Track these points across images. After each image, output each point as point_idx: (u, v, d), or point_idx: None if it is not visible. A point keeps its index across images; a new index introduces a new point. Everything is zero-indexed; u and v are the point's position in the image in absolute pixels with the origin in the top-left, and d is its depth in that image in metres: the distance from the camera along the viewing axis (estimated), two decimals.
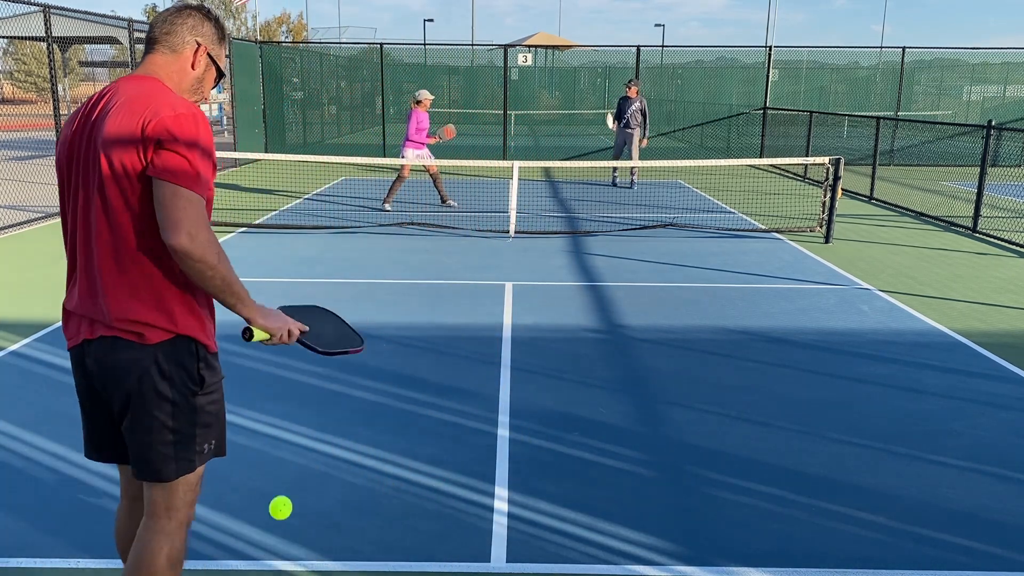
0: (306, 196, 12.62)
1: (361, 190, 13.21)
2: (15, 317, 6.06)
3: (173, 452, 2.14)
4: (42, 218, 10.13)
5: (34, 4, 9.98)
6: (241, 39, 19.10)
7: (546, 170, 16.93)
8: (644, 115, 13.75)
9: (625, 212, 11.44)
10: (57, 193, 2.31)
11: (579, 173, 16.29)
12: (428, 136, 11.03)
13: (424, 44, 21.88)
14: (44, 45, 10.47)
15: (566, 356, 5.31)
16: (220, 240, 9.15)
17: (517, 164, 9.86)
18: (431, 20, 59.02)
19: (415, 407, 4.45)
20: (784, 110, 19.16)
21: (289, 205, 11.72)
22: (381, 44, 19.51)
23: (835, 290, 7.13)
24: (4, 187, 12.48)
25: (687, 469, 3.79)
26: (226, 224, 9.67)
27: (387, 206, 11.17)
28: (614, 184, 14.47)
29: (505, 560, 3.04)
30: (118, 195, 1.99)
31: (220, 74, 2.27)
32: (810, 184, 14.93)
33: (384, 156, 17.74)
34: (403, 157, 10.96)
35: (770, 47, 20.07)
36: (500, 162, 11.00)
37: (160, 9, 49.38)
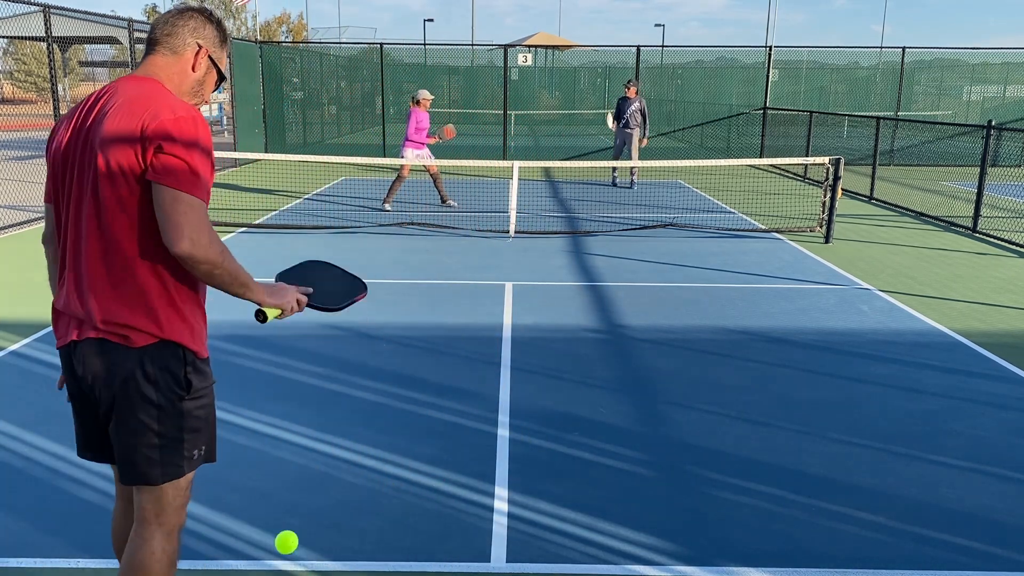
0: (306, 196, 12.62)
1: (361, 190, 13.21)
2: (15, 317, 6.06)
3: (159, 456, 2.11)
4: (42, 218, 10.13)
5: (34, 4, 9.99)
6: (241, 39, 19.10)
7: (546, 170, 16.93)
8: (644, 115, 13.75)
9: (625, 212, 11.44)
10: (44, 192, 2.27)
11: (579, 173, 16.29)
12: (428, 136, 11.03)
13: (424, 44, 21.88)
14: (44, 45, 10.47)
15: (566, 356, 5.31)
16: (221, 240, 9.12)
17: (517, 164, 9.86)
18: (431, 20, 59.05)
19: (415, 407, 4.45)
20: (784, 110, 19.16)
21: (289, 205, 11.72)
22: (381, 44, 19.51)
23: (835, 290, 7.13)
24: (4, 187, 12.48)
25: (687, 469, 3.79)
26: (226, 224, 9.67)
27: (387, 206, 11.17)
28: (614, 184, 14.47)
29: (505, 560, 3.04)
30: (113, 196, 1.98)
31: (221, 77, 2.25)
32: (810, 184, 14.93)
33: (384, 156, 17.74)
34: (403, 157, 10.96)
35: (770, 47, 20.07)
36: (500, 162, 11.00)
37: (160, 9, 49.28)
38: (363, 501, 3.45)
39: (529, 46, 26.22)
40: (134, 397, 2.06)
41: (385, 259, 8.18)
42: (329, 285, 2.39)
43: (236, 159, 16.35)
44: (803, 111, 17.64)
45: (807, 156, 14.67)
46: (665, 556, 3.09)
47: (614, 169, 14.54)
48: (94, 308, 2.03)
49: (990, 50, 20.76)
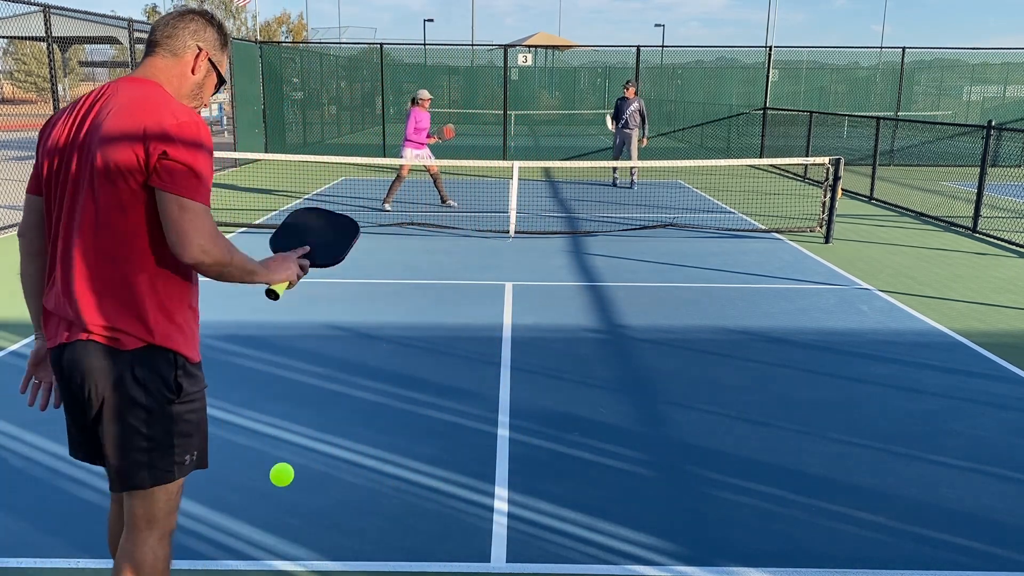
0: (306, 196, 12.62)
1: (361, 190, 13.21)
2: (15, 317, 6.07)
3: (148, 459, 2.09)
4: None
5: (34, 4, 9.99)
6: (241, 39, 19.10)
7: (546, 170, 16.93)
8: (642, 116, 13.76)
9: (625, 212, 11.44)
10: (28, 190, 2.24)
11: (579, 173, 16.30)
12: (428, 136, 11.03)
13: (424, 44, 21.89)
14: (44, 45, 10.47)
15: (566, 356, 5.31)
16: None
17: (517, 164, 9.86)
18: (431, 20, 59.06)
19: (415, 407, 4.45)
20: (784, 110, 19.17)
21: (289, 205, 11.72)
22: (381, 44, 19.51)
23: (835, 290, 7.13)
24: (4, 187, 12.48)
25: (687, 469, 3.79)
26: (226, 224, 9.67)
27: (387, 206, 11.17)
28: (614, 184, 14.48)
29: (505, 560, 3.04)
30: (111, 199, 1.96)
31: (221, 80, 2.24)
32: (810, 184, 14.93)
33: (384, 156, 17.74)
34: (402, 157, 10.97)
35: (770, 47, 20.07)
36: (500, 162, 11.00)
37: (160, 9, 49.26)
38: (363, 501, 3.45)
39: (529, 46, 26.23)
40: (123, 400, 2.04)
41: (385, 259, 8.18)
42: (322, 236, 2.35)
43: (236, 159, 16.35)
44: (803, 111, 17.64)
45: (807, 156, 14.67)
46: (665, 556, 3.09)
47: (614, 169, 14.55)
48: (85, 310, 2.01)
49: (990, 50, 20.77)
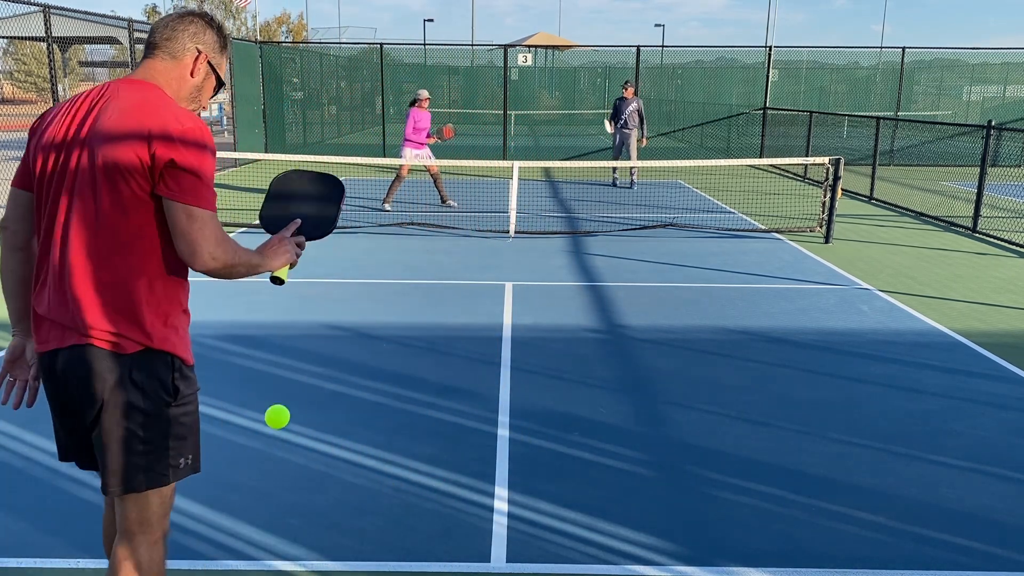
0: None
1: (361, 190, 13.21)
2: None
3: (144, 463, 2.08)
4: None
5: (34, 4, 9.99)
6: (241, 39, 19.10)
7: (546, 170, 16.93)
8: (641, 116, 13.78)
9: (625, 212, 11.44)
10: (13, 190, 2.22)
11: (579, 173, 16.30)
12: (428, 136, 11.03)
13: (424, 44, 21.89)
14: (44, 45, 10.47)
15: (566, 356, 5.31)
16: None
17: (517, 164, 9.86)
18: (431, 20, 59.08)
19: (415, 407, 4.45)
20: (784, 110, 19.17)
21: None
22: (381, 44, 19.51)
23: (835, 290, 7.13)
24: (4, 187, 12.49)
25: (687, 469, 3.79)
26: (226, 224, 9.65)
27: (387, 206, 11.17)
28: (614, 184, 14.48)
29: (505, 560, 3.04)
30: (112, 202, 1.95)
31: (220, 83, 2.23)
32: (810, 184, 14.93)
33: (384, 156, 17.74)
34: (402, 157, 10.97)
35: (770, 47, 20.08)
36: (500, 162, 10.99)
37: (160, 10, 49.20)
38: (363, 501, 3.45)
39: (529, 46, 26.23)
40: (121, 404, 2.03)
41: (385, 259, 8.18)
42: (310, 206, 2.33)
43: (236, 159, 16.35)
44: (803, 111, 17.64)
45: (807, 156, 14.67)
46: (665, 556, 3.09)
47: (614, 169, 14.55)
48: (84, 314, 1.99)
49: (990, 50, 20.78)
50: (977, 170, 10.15)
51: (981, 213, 10.01)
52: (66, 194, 2.00)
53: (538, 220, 10.60)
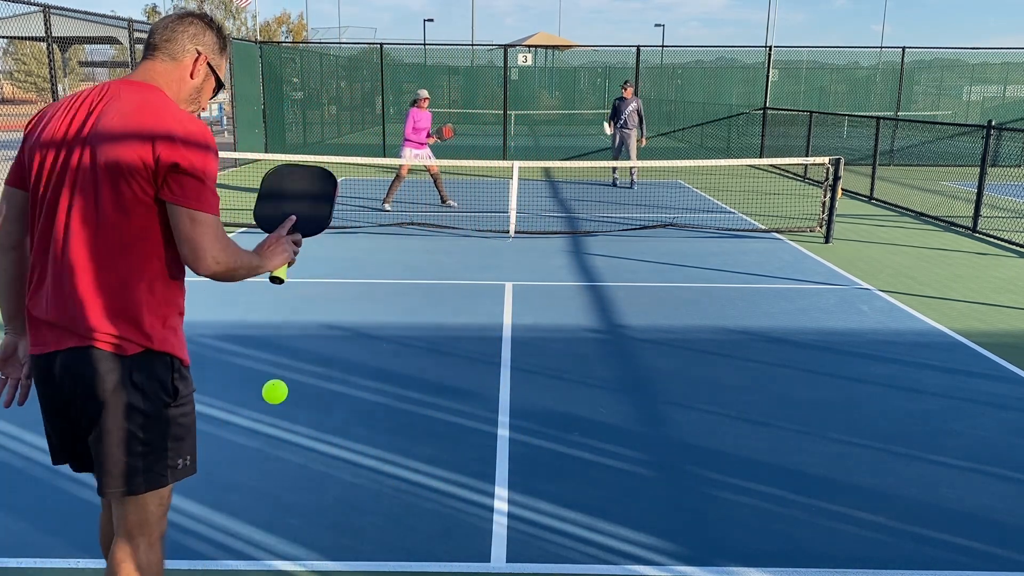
0: None
1: (361, 190, 13.21)
2: None
3: (142, 464, 2.07)
4: None
5: (34, 4, 9.99)
6: (241, 39, 19.10)
7: (546, 170, 16.93)
8: (640, 116, 13.79)
9: (625, 212, 11.44)
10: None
11: (579, 173, 16.30)
12: (428, 136, 11.04)
13: (424, 44, 21.89)
14: (44, 45, 10.47)
15: (566, 356, 5.31)
16: None
17: (517, 164, 9.86)
18: (431, 20, 59.10)
19: (415, 407, 4.45)
20: (784, 110, 19.17)
21: None
22: (381, 44, 19.51)
23: (835, 290, 7.13)
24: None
25: (687, 469, 3.79)
26: (226, 224, 9.66)
27: (387, 206, 11.18)
28: (614, 184, 14.48)
29: (505, 560, 3.04)
30: (115, 204, 1.95)
31: (219, 84, 2.22)
32: (810, 184, 14.93)
33: (384, 156, 17.74)
34: (402, 157, 10.98)
35: (770, 47, 20.08)
36: (500, 162, 11.00)
37: (160, 10, 49.14)
38: (363, 501, 3.45)
39: (529, 46, 26.23)
40: (122, 405, 2.02)
41: (385, 259, 8.18)
42: (304, 202, 2.33)
43: (236, 159, 16.35)
44: (803, 111, 17.64)
45: (807, 156, 14.67)
46: (665, 556, 3.09)
47: (614, 169, 14.55)
48: (85, 316, 1.98)
49: (990, 50, 20.78)
50: (977, 170, 10.15)
51: (981, 213, 10.01)
52: (67, 195, 1.99)
53: (538, 220, 10.60)
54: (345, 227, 9.87)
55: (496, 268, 7.82)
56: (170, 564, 2.95)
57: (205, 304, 6.25)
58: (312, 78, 21.87)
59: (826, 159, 9.53)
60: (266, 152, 17.09)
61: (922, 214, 11.33)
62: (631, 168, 14.08)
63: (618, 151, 14.02)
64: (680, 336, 5.76)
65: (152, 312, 2.04)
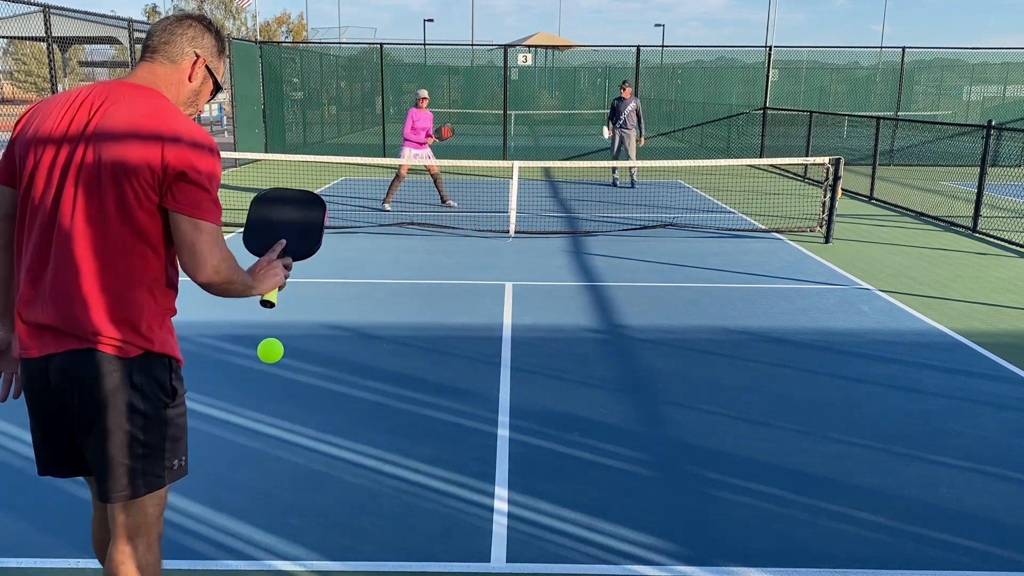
0: None
1: (361, 190, 13.21)
2: None
3: (141, 466, 2.07)
4: None
5: (34, 4, 9.99)
6: (241, 39, 19.10)
7: (546, 170, 16.93)
8: (639, 116, 13.81)
9: (625, 212, 11.44)
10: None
11: (579, 173, 16.30)
12: (427, 136, 11.04)
13: (424, 44, 21.90)
14: (44, 45, 10.47)
15: (566, 356, 5.31)
16: None
17: (517, 164, 9.86)
18: (431, 20, 59.10)
19: (415, 407, 4.45)
20: (784, 110, 19.17)
21: None
22: (381, 44, 19.52)
23: (835, 290, 7.13)
24: None
25: (687, 469, 3.79)
26: (226, 224, 9.66)
27: (387, 206, 11.18)
28: (614, 184, 14.48)
29: (505, 560, 3.04)
30: (118, 209, 1.94)
31: (217, 87, 2.22)
32: (810, 184, 14.93)
33: (384, 156, 17.75)
34: (401, 157, 10.99)
35: (770, 47, 20.08)
36: (500, 162, 11.00)
37: (160, 10, 49.13)
38: (363, 501, 3.45)
39: (529, 46, 26.23)
40: (123, 408, 2.02)
41: (385, 259, 8.18)
42: (294, 226, 2.33)
43: (236, 159, 16.35)
44: (803, 111, 17.64)
45: (807, 156, 14.67)
46: (665, 556, 3.09)
47: (614, 170, 14.55)
48: (88, 318, 1.97)
49: (990, 50, 20.79)
50: (977, 170, 10.16)
51: (981, 213, 10.01)
52: (70, 194, 1.96)
53: (538, 220, 10.60)
54: (345, 227, 9.87)
55: (496, 268, 7.82)
56: (170, 564, 2.95)
57: (205, 304, 6.24)
58: (312, 78, 21.88)
59: (826, 159, 9.53)
60: (266, 152, 17.09)
61: (922, 214, 11.33)
62: (631, 168, 14.08)
63: (617, 151, 14.02)
64: (680, 336, 5.76)
65: (152, 315, 2.04)
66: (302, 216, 2.35)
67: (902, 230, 10.26)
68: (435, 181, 11.45)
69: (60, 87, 11.98)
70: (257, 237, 2.31)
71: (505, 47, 20.38)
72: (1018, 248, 9.11)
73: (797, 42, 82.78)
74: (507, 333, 5.77)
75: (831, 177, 9.33)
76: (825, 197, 9.46)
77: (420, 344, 5.52)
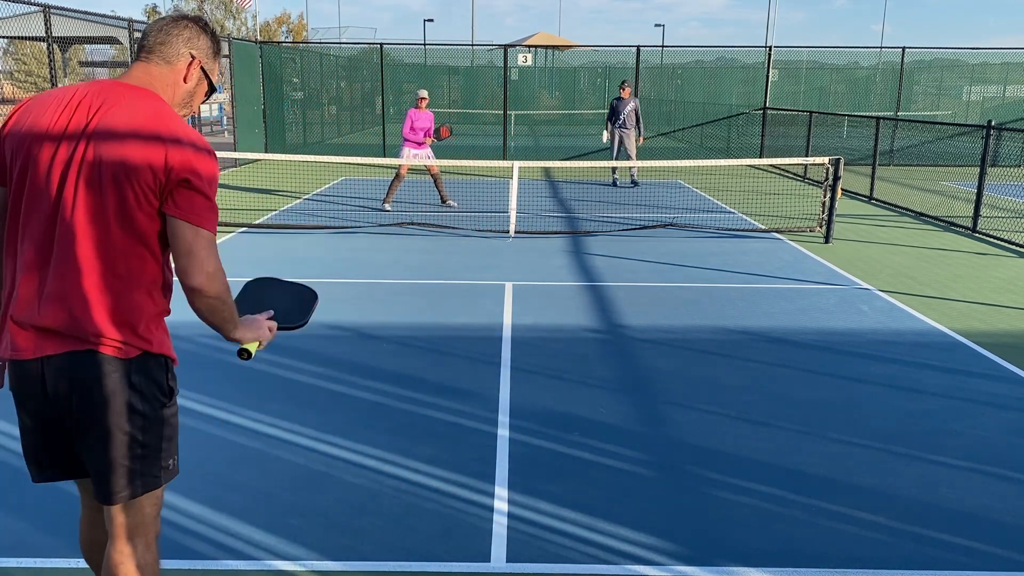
0: (306, 196, 12.62)
1: (361, 190, 13.21)
2: None
3: (140, 467, 2.07)
4: None
5: (34, 4, 9.99)
6: (241, 39, 19.11)
7: (546, 170, 16.93)
8: (638, 116, 13.83)
9: (625, 212, 11.44)
10: None
11: (579, 173, 16.30)
12: (426, 135, 11.05)
13: (424, 44, 21.90)
14: (44, 45, 10.47)
15: (566, 356, 5.31)
16: (220, 240, 9.09)
17: (517, 164, 9.86)
18: (431, 20, 59.15)
19: (415, 407, 4.45)
20: (784, 110, 19.17)
21: (289, 205, 11.73)
22: (381, 44, 19.52)
23: (835, 290, 7.13)
24: None
25: (687, 469, 3.79)
26: (226, 224, 9.66)
27: (387, 206, 11.18)
28: (614, 184, 14.48)
29: (505, 560, 3.04)
30: (118, 211, 1.94)
31: (211, 89, 2.21)
32: (810, 184, 14.93)
33: (384, 156, 17.74)
34: (401, 157, 11.01)
35: (770, 47, 20.08)
36: (500, 162, 11.01)
37: (160, 10, 49.17)
38: (363, 501, 3.45)
39: (529, 46, 26.23)
40: (122, 409, 2.01)
41: (385, 259, 8.18)
42: (283, 303, 2.38)
43: (236, 159, 16.35)
44: (803, 111, 17.64)
45: (807, 156, 14.68)
46: (665, 556, 3.09)
47: (614, 170, 14.55)
48: (91, 320, 1.96)
49: (990, 50, 20.78)
50: (977, 170, 10.16)
51: (981, 213, 10.01)
52: (70, 194, 1.94)
53: (538, 220, 10.60)
54: (345, 227, 9.87)
55: (496, 268, 7.82)
56: (170, 564, 2.95)
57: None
58: (312, 78, 21.87)
59: (826, 159, 9.53)
60: (266, 152, 17.09)
61: (922, 214, 11.33)
62: (631, 167, 14.08)
63: (618, 151, 14.03)
64: (680, 336, 5.76)
65: (150, 316, 2.05)
66: (294, 300, 2.42)
67: (902, 230, 10.26)
68: (435, 181, 11.46)
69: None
70: (249, 304, 2.33)
71: (505, 47, 20.38)
72: (1018, 248, 9.11)
73: (797, 42, 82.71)
74: (507, 333, 5.77)
75: (831, 177, 9.33)
76: (825, 197, 9.46)
77: (420, 344, 5.52)
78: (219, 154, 9.32)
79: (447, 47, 21.08)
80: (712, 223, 10.48)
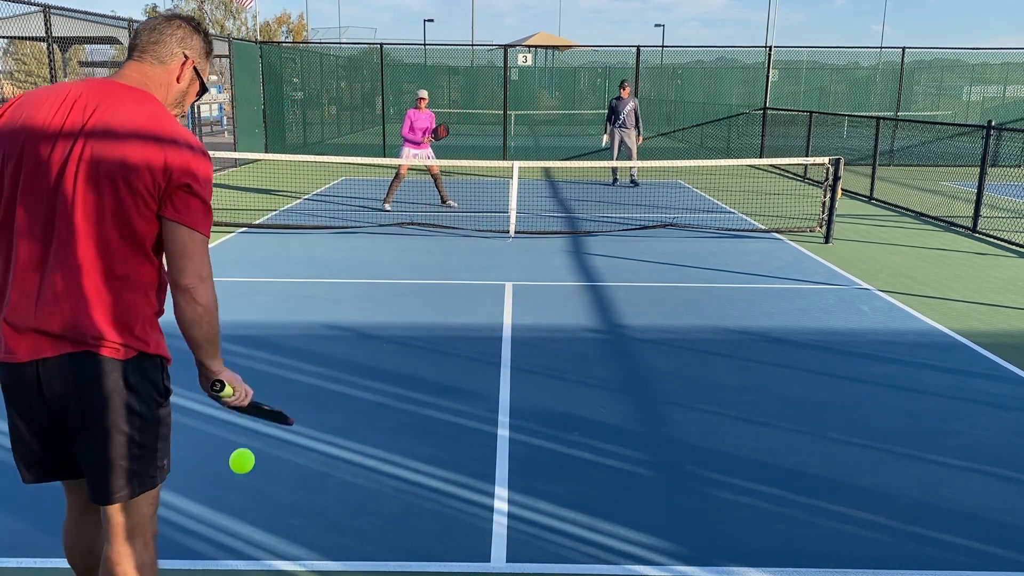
0: (306, 196, 12.62)
1: (361, 190, 13.21)
2: None
3: (137, 467, 2.07)
4: None
5: (34, 4, 9.99)
6: (241, 39, 19.10)
7: (546, 170, 16.93)
8: (637, 116, 13.84)
9: (625, 212, 11.44)
10: None
11: (579, 173, 16.30)
12: (425, 135, 11.05)
13: (424, 44, 21.89)
14: (44, 45, 10.47)
15: (566, 356, 5.31)
16: (220, 240, 9.08)
17: (517, 164, 9.86)
18: (431, 20, 59.15)
19: (415, 407, 4.45)
20: (784, 110, 19.16)
21: (289, 205, 11.72)
22: (381, 44, 19.52)
23: (835, 290, 7.13)
24: None
25: (687, 469, 3.79)
26: (226, 224, 9.66)
27: (387, 206, 11.18)
28: (614, 184, 14.48)
29: (505, 560, 3.04)
30: (115, 212, 1.94)
31: (203, 89, 2.21)
32: (810, 184, 14.93)
33: (384, 156, 17.74)
34: (401, 157, 11.01)
35: (770, 47, 20.08)
36: (500, 162, 11.01)
37: (161, 9, 49.18)
38: (363, 501, 3.45)
39: (529, 46, 26.22)
40: (120, 409, 2.01)
41: (385, 259, 8.18)
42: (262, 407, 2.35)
43: (236, 159, 16.34)
44: (803, 111, 17.64)
45: (807, 156, 14.67)
46: (665, 556, 3.09)
47: (614, 170, 14.55)
48: (90, 322, 1.95)
49: (990, 50, 20.77)
50: (977, 170, 10.16)
51: (981, 213, 10.01)
52: (67, 197, 1.93)
53: (538, 220, 10.60)
54: (345, 227, 9.87)
55: (496, 268, 7.82)
56: (170, 564, 2.95)
57: None
58: (312, 78, 21.87)
59: (826, 159, 9.53)
60: (266, 152, 17.09)
61: (922, 214, 11.33)
62: (631, 167, 14.08)
63: (618, 151, 14.03)
64: (680, 336, 5.76)
65: (146, 317, 2.06)
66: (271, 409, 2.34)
67: (902, 230, 10.26)
68: (435, 181, 11.46)
69: None
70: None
71: (505, 47, 20.38)
72: (1018, 248, 9.11)
73: (797, 42, 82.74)
74: (507, 333, 5.77)
75: (831, 177, 9.33)
76: (825, 197, 9.46)
77: (420, 344, 5.52)
78: (219, 154, 9.35)
79: (447, 47, 21.08)
80: (712, 223, 10.48)
